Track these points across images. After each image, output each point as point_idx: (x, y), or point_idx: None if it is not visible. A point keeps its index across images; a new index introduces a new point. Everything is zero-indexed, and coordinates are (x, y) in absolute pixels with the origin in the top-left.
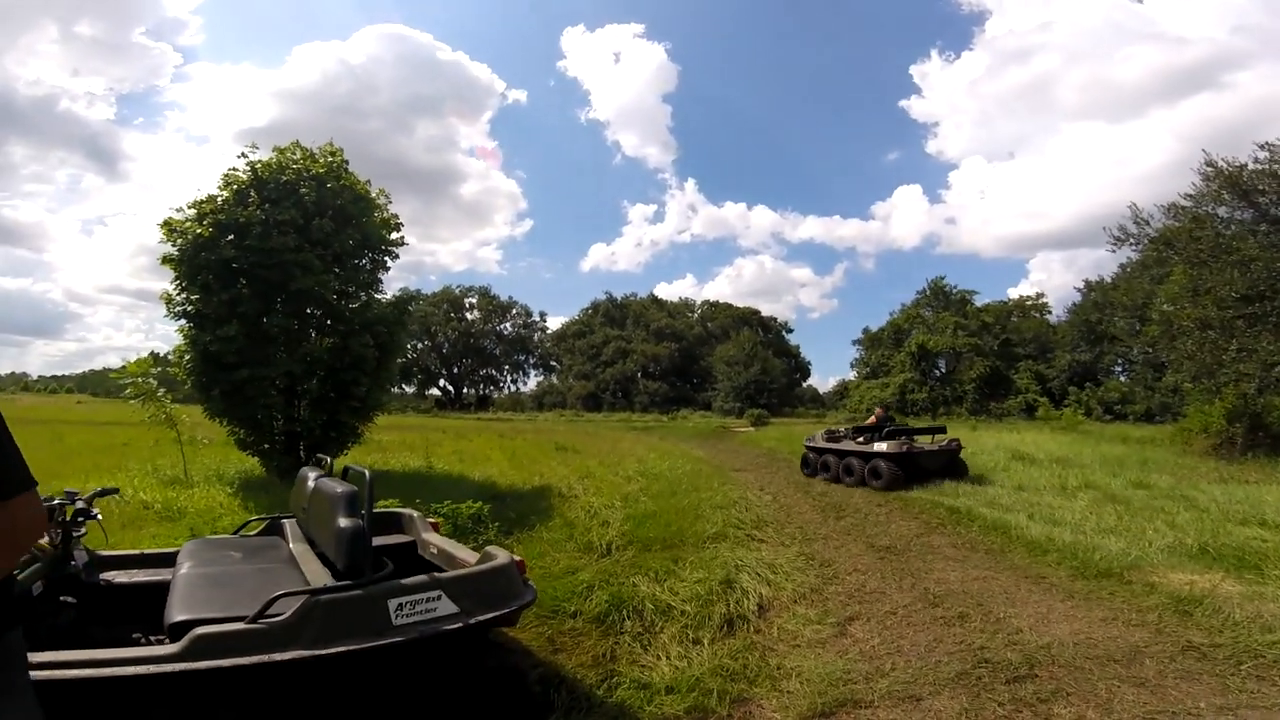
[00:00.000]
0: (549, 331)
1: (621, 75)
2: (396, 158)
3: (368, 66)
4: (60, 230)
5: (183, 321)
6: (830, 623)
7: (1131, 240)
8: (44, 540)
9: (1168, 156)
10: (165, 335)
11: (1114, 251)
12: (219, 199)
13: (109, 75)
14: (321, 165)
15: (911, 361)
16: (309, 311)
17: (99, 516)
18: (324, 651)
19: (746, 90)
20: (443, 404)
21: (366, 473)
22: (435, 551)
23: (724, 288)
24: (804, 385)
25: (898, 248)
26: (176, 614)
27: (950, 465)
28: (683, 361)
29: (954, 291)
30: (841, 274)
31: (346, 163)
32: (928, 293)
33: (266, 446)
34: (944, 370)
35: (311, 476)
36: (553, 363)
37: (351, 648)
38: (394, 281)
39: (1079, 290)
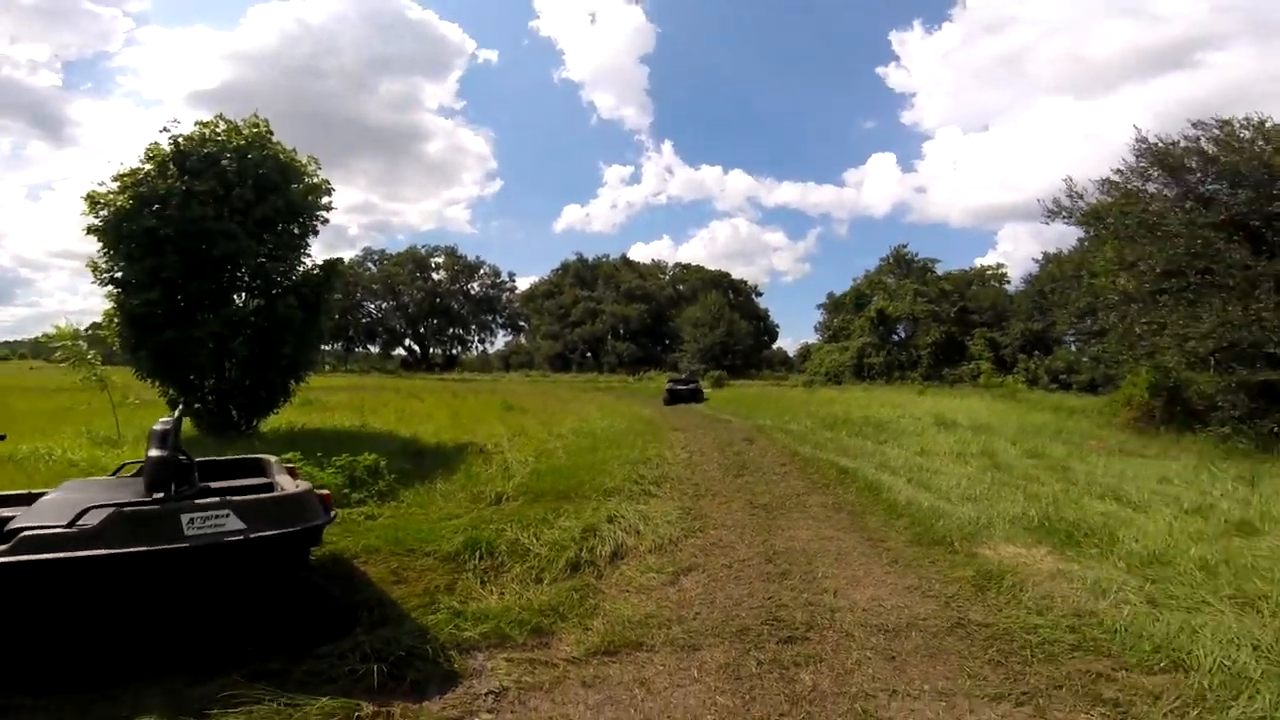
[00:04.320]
0: (518, 292)
1: (598, 36)
2: (357, 118)
3: (328, 26)
4: (3, 196)
5: (110, 287)
6: (668, 572)
7: (1064, 214)
8: None
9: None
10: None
11: (1047, 224)
12: (141, 171)
13: (53, 42)
14: (246, 136)
15: (871, 326)
16: (236, 275)
17: None
18: (120, 551)
19: (726, 53)
20: (409, 364)
21: (177, 412)
22: (282, 490)
23: (699, 250)
24: (773, 347)
25: (870, 215)
26: (14, 523)
27: (694, 395)
28: (653, 323)
29: (916, 259)
30: (814, 239)
31: (271, 133)
32: (890, 260)
33: (197, 405)
34: (902, 336)
35: (159, 422)
36: (521, 323)
37: (143, 549)
38: (359, 241)
39: (1037, 261)
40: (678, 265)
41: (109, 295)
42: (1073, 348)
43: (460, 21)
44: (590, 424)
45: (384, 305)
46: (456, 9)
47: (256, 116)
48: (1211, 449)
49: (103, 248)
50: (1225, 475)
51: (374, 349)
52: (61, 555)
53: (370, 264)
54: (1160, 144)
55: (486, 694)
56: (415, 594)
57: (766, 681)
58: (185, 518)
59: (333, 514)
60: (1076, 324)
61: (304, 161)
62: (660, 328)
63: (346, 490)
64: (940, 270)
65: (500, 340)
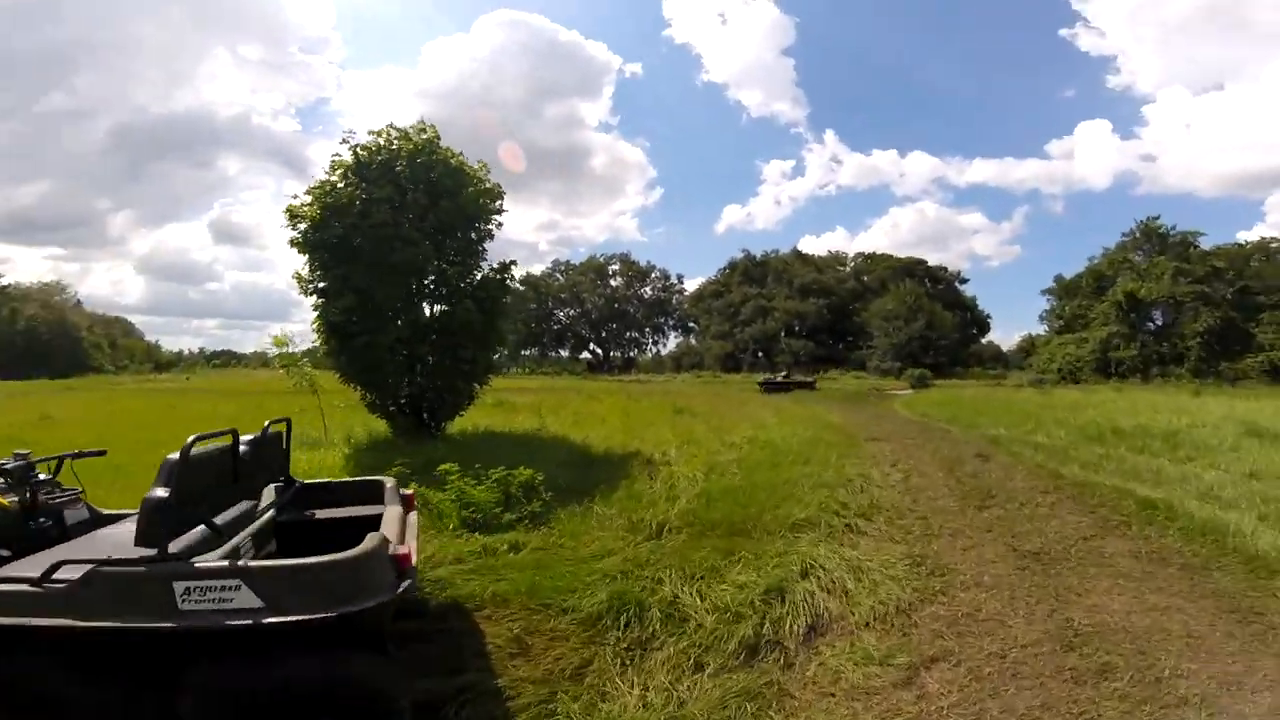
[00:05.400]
0: (686, 294)
1: (732, 35)
2: (530, 142)
3: (492, 58)
4: (273, 229)
5: (315, 297)
6: (898, 664)
7: None
8: (7, 500)
9: None
10: None
11: None
12: (329, 184)
13: (283, 91)
14: (416, 144)
15: (1117, 313)
16: (423, 282)
17: (38, 476)
18: (88, 624)
19: (875, 32)
20: (593, 367)
21: (191, 440)
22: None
23: (879, 240)
24: (982, 341)
25: (1088, 188)
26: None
27: (785, 386)
28: (833, 318)
29: (1172, 233)
30: (1022, 219)
31: (439, 138)
32: (1137, 235)
33: (392, 409)
34: (1159, 323)
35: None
36: (690, 324)
37: (119, 625)
38: (548, 256)
39: None
40: (859, 255)
41: (314, 305)
42: None
43: (604, 39)
44: (768, 432)
45: (571, 312)
46: (597, 29)
47: (423, 123)
48: None
49: (308, 260)
50: None
51: (564, 353)
52: (16, 621)
53: (558, 275)
54: None
55: None
56: (535, 679)
57: None
58: (179, 587)
59: (409, 581)
60: None
61: (475, 167)
62: (842, 324)
63: (499, 510)
64: (1205, 245)
65: (672, 342)
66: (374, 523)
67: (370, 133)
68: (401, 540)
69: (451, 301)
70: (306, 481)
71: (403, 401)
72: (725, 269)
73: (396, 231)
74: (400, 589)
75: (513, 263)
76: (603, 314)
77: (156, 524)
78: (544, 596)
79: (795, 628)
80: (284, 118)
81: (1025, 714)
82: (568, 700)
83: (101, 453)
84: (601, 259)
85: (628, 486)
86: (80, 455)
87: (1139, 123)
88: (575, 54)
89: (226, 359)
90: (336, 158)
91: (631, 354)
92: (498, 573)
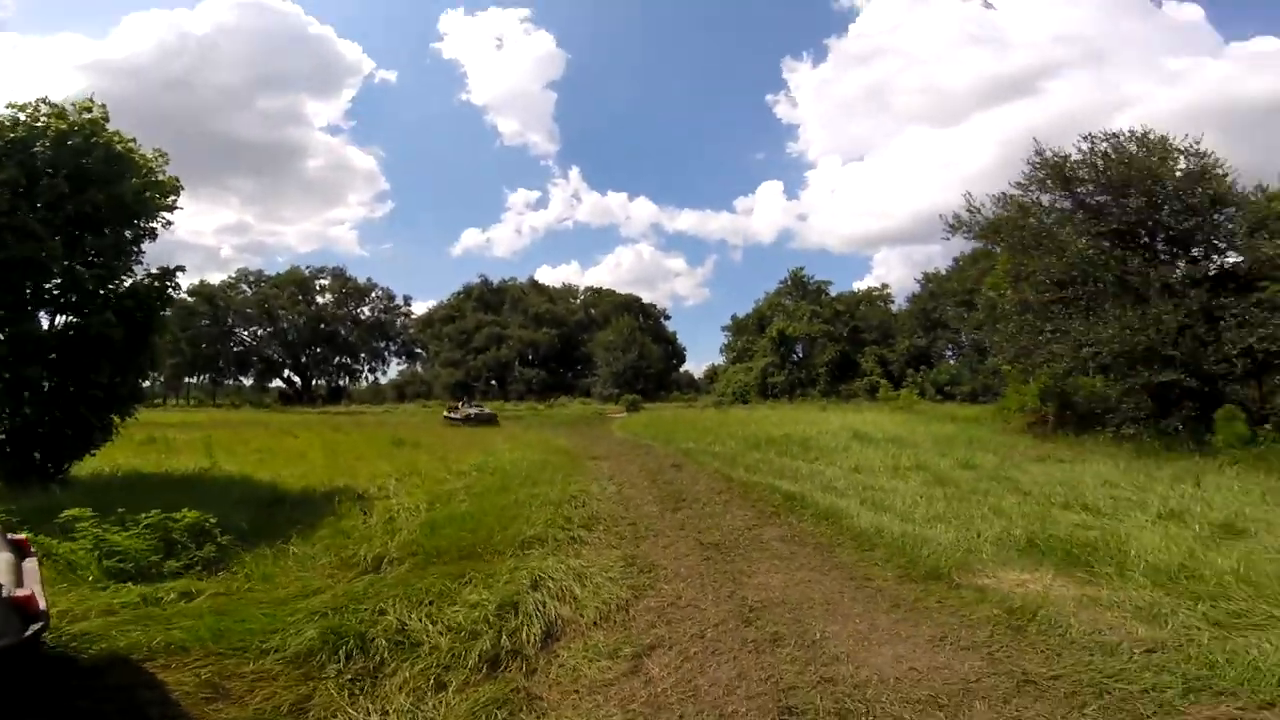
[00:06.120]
0: (414, 317)
1: (504, 61)
2: (230, 133)
3: (212, 37)
4: None
5: None
6: (625, 655)
7: (965, 228)
8: None
9: (989, 160)
10: None
11: (949, 238)
12: None
13: None
14: (72, 123)
15: (772, 347)
16: (44, 285)
17: None
18: None
19: (633, 82)
20: (288, 397)
21: None
22: None
23: (605, 275)
24: (680, 370)
25: (759, 241)
26: None
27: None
28: (564, 348)
29: (811, 282)
30: (712, 265)
31: (106, 119)
32: (789, 283)
33: None
34: (801, 355)
35: None
36: (418, 350)
37: None
38: (232, 264)
39: (918, 281)
40: (589, 289)
41: None
42: (952, 361)
43: (361, 41)
44: (498, 458)
45: (260, 332)
46: (358, 28)
47: (90, 101)
48: (1115, 449)
49: None
50: (1162, 476)
51: (247, 381)
52: None
53: (245, 286)
54: (1056, 157)
55: None
56: (244, 719)
57: None
58: None
59: (35, 629)
60: (972, 337)
61: (147, 155)
62: (572, 353)
63: (157, 559)
64: (833, 292)
65: (394, 369)
66: None
67: (10, 106)
68: (18, 584)
69: (84, 312)
70: None
71: (2, 438)
72: (460, 293)
73: (11, 221)
74: (29, 632)
75: (179, 269)
76: (304, 335)
77: None
78: (234, 641)
79: (532, 636)
80: None
81: (728, 684)
82: None
83: None
84: (307, 271)
85: (334, 524)
86: None
87: (802, 185)
88: (319, 49)
89: None
90: None
91: (341, 382)
92: (168, 622)
